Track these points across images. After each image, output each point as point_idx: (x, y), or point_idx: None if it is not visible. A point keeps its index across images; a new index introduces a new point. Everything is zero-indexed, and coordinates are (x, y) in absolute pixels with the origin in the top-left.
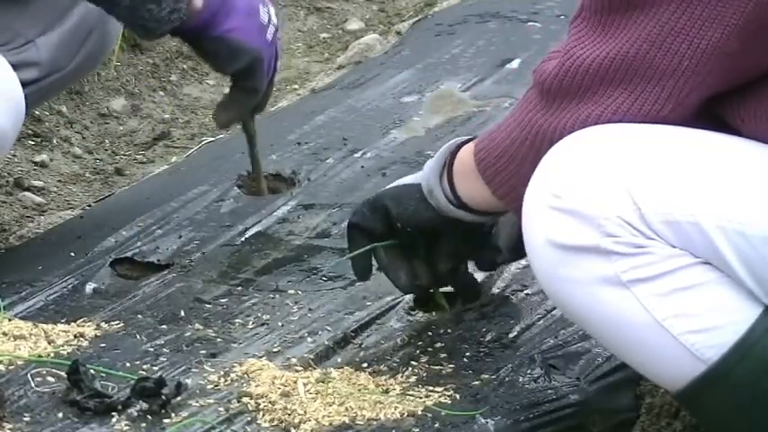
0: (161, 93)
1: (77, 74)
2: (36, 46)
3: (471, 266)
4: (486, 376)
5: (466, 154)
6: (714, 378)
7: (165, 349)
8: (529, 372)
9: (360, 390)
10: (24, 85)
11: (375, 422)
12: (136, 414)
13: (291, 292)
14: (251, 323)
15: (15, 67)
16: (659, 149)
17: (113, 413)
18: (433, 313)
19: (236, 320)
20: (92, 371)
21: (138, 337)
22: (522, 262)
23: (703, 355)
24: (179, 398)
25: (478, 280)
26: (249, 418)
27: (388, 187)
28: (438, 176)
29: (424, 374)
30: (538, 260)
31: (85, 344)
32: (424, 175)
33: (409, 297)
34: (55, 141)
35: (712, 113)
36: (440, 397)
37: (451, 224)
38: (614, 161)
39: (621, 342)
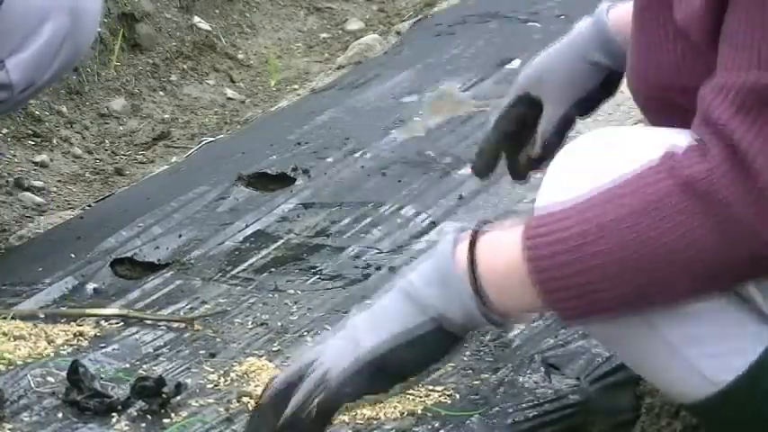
0: (161, 93)
1: (51, 82)
2: (6, 69)
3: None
4: (486, 376)
5: (507, 264)
6: (724, 401)
7: (164, 349)
8: (529, 372)
9: None
10: None
11: (375, 421)
12: (136, 414)
13: (291, 291)
14: (250, 323)
15: None
16: None
17: (113, 413)
18: None
19: (236, 320)
20: (92, 371)
21: (138, 336)
22: None
23: (715, 378)
24: (179, 398)
25: None
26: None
27: (381, 348)
28: (475, 300)
29: (424, 373)
30: None
31: (85, 344)
32: (451, 307)
33: None
34: (55, 141)
35: None
36: (440, 396)
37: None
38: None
39: (632, 358)
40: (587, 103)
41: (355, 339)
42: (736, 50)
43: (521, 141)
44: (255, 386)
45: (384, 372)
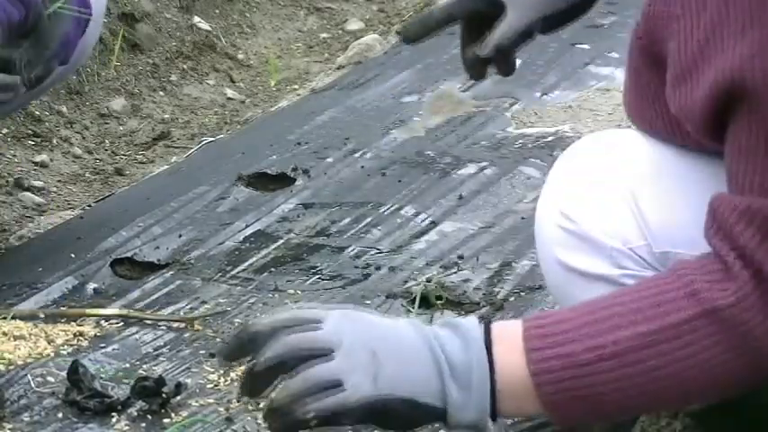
0: (161, 93)
1: (54, 83)
2: None
3: None
4: None
5: (519, 379)
6: (721, 408)
7: (164, 349)
8: None
9: None
10: None
11: None
12: (136, 414)
13: (291, 291)
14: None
15: None
16: (674, 179)
17: (113, 413)
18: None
19: (236, 320)
20: (92, 371)
21: (138, 336)
22: (524, 261)
23: None
24: (179, 398)
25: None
26: (249, 418)
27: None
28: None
29: None
30: (549, 275)
31: (85, 344)
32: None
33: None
34: (55, 141)
35: None
36: None
37: None
38: (626, 187)
39: None
40: (553, 21)
41: (374, 374)
42: (755, 170)
43: (466, 33)
44: None
45: (380, 413)
